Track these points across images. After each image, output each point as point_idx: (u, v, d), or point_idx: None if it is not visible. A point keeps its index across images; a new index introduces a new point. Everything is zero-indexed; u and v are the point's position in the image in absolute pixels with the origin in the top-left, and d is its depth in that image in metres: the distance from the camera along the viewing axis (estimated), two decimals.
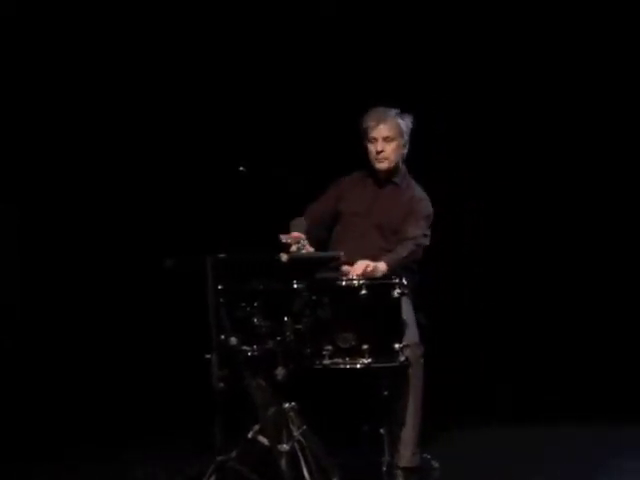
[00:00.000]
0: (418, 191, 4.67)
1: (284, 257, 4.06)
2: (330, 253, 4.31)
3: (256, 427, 4.14)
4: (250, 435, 4.15)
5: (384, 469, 4.22)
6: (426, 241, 4.54)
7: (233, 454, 4.08)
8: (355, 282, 4.10)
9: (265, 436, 4.11)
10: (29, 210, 6.48)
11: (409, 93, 6.31)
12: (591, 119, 6.65)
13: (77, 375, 6.29)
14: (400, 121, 4.60)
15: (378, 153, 4.56)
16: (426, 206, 4.62)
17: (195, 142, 6.32)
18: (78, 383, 6.25)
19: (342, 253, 4.25)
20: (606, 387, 6.34)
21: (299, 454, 4.06)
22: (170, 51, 6.43)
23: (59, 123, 6.44)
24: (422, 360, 4.31)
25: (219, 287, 4.10)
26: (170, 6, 6.39)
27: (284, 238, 4.19)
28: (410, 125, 4.66)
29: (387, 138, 4.56)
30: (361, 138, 4.65)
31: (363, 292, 4.06)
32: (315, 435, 4.13)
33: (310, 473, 4.04)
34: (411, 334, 4.30)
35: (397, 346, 4.08)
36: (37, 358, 6.34)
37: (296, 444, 4.08)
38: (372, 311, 4.07)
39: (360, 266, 4.20)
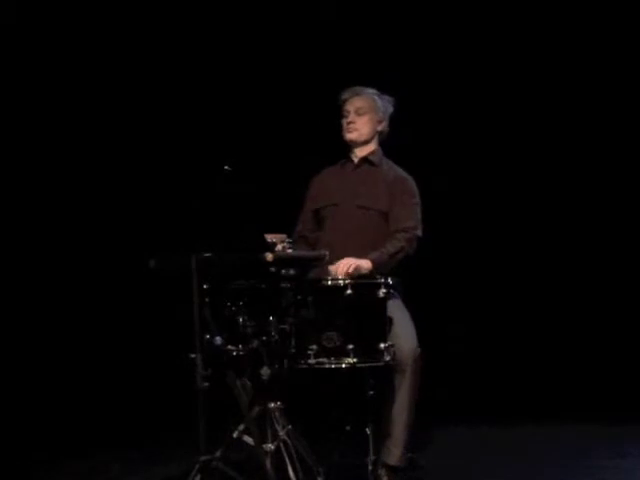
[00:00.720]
0: (400, 171, 4.60)
1: (269, 256, 4.04)
2: (315, 252, 4.29)
3: (241, 427, 4.13)
4: (235, 435, 4.14)
5: (369, 469, 4.21)
6: (419, 232, 4.46)
7: (218, 454, 4.07)
8: (340, 282, 4.09)
9: (250, 436, 4.11)
10: (24, 209, 6.54)
11: (409, 94, 6.30)
12: (588, 116, 6.66)
13: (62, 374, 6.32)
14: (376, 98, 4.58)
15: (349, 124, 4.53)
16: (412, 186, 4.55)
17: (180, 141, 6.36)
18: (62, 382, 6.28)
19: (327, 252, 4.23)
20: (606, 387, 6.33)
21: (284, 454, 4.05)
22: (162, 51, 6.50)
23: (52, 124, 6.49)
24: (421, 362, 4.28)
25: (204, 286, 4.09)
26: (165, 8, 6.46)
27: (269, 237, 4.18)
28: (390, 107, 4.63)
29: (359, 110, 4.53)
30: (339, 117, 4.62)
31: (348, 292, 4.05)
32: (300, 435, 4.12)
33: (295, 473, 4.03)
34: (409, 336, 4.28)
35: (382, 346, 4.06)
36: (27, 358, 6.37)
37: (281, 444, 4.06)
38: (357, 311, 4.06)
39: (343, 266, 4.17)
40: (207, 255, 4.02)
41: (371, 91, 4.59)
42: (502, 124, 6.72)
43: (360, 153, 4.59)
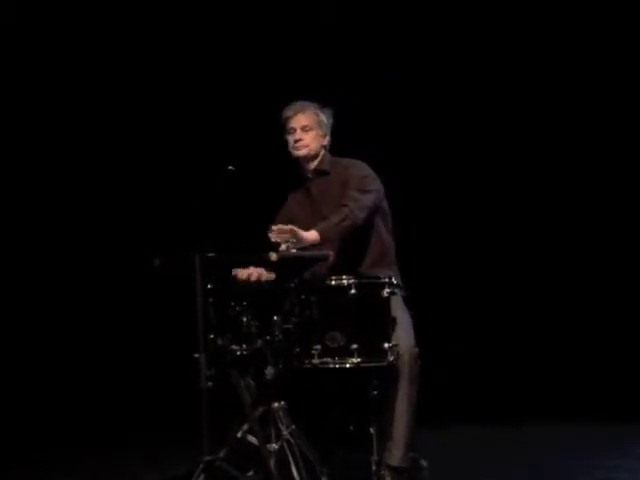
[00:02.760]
0: (346, 162, 4.60)
1: (273, 256, 4.04)
2: (319, 252, 4.27)
3: (245, 426, 4.13)
4: (239, 434, 4.14)
5: (373, 468, 4.20)
6: (366, 201, 4.36)
7: (221, 454, 4.07)
8: (344, 282, 4.09)
9: (254, 435, 4.11)
10: (23, 210, 6.54)
11: (410, 97, 6.33)
12: (584, 115, 6.68)
13: (66, 373, 6.32)
14: (318, 112, 4.60)
15: (296, 142, 4.55)
16: (358, 169, 4.52)
17: (184, 141, 6.38)
18: (66, 381, 6.29)
19: (331, 252, 4.23)
20: (606, 387, 6.34)
21: (288, 453, 4.05)
22: (164, 52, 6.52)
23: (53, 124, 6.50)
24: (419, 362, 4.28)
25: (208, 286, 4.10)
26: (166, 10, 6.47)
27: (273, 237, 4.18)
28: (331, 118, 4.64)
29: (305, 127, 4.55)
30: (283, 133, 4.62)
31: (352, 291, 4.05)
32: (304, 434, 4.12)
33: (299, 472, 4.03)
34: (407, 336, 4.26)
35: (386, 345, 4.05)
36: (31, 358, 6.37)
37: (285, 443, 4.07)
38: (361, 310, 4.06)
39: (279, 230, 4.16)
40: (211, 255, 4.03)
41: (313, 106, 4.61)
42: (497, 134, 6.76)
43: (312, 166, 4.62)
